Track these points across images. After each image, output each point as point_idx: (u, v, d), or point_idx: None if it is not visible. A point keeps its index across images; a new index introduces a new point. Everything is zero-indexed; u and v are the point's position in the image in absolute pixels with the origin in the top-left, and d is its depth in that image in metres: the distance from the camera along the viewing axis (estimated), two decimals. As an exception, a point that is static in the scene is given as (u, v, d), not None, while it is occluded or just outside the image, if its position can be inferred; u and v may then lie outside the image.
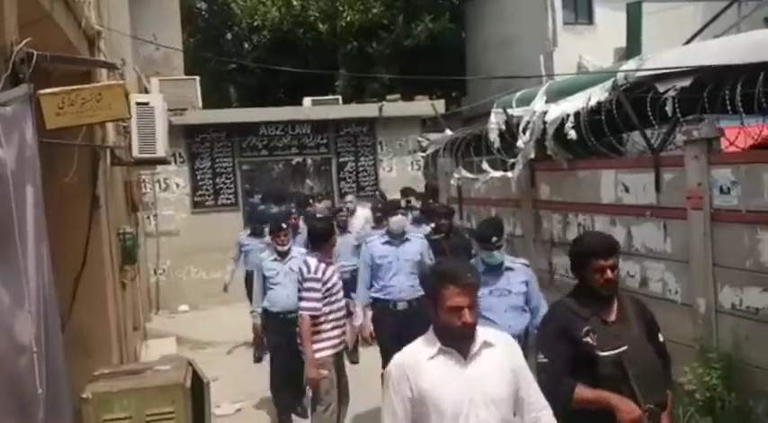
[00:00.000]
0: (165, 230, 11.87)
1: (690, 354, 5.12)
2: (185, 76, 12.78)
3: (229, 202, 11.84)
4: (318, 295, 4.98)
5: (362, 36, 18.39)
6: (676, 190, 5.58)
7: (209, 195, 12.04)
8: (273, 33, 19.03)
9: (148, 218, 11.60)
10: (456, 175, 8.91)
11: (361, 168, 12.55)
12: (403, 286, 6.13)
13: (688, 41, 8.03)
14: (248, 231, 8.79)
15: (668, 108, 5.36)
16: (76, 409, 3.26)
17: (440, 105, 12.46)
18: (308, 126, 12.23)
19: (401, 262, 6.22)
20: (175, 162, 11.64)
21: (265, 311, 6.28)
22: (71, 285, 5.09)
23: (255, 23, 19.01)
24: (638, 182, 6.08)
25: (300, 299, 5.04)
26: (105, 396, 3.33)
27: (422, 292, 5.11)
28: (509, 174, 7.46)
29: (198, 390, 3.57)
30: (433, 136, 10.72)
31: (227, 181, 12.06)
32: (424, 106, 12.53)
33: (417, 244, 6.38)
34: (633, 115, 5.73)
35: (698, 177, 5.32)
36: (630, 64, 6.00)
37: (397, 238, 6.33)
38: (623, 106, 5.90)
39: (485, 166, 7.95)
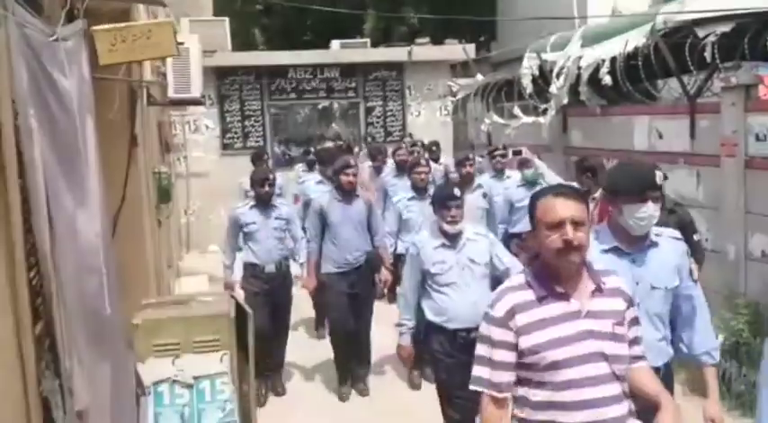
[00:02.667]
0: (194, 172, 12.00)
1: (718, 299, 5.19)
2: (215, 17, 12.71)
3: (258, 144, 11.90)
4: None
5: (391, -22, 18.03)
6: (711, 137, 5.56)
7: (237, 138, 12.12)
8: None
9: (179, 159, 11.73)
10: (487, 121, 8.88)
11: (389, 113, 12.51)
12: None
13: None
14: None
15: (707, 54, 5.29)
16: (127, 336, 3.43)
17: (470, 49, 12.28)
18: (337, 70, 12.17)
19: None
20: (205, 104, 11.69)
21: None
22: (111, 221, 5.25)
23: (282, -36, 18.71)
24: (672, 128, 6.06)
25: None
26: (155, 323, 3.48)
27: None
28: (541, 119, 7.45)
29: (241, 321, 3.72)
30: (463, 81, 10.64)
31: (256, 123, 12.11)
32: (453, 50, 12.36)
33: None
34: (671, 61, 5.67)
35: (733, 124, 5.29)
36: (671, 6, 5.91)
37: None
38: (661, 52, 5.83)
39: (516, 111, 7.92)
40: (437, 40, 13.38)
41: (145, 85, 6.02)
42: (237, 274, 5.58)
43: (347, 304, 5.26)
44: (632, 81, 6.24)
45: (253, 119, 12.06)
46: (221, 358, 3.53)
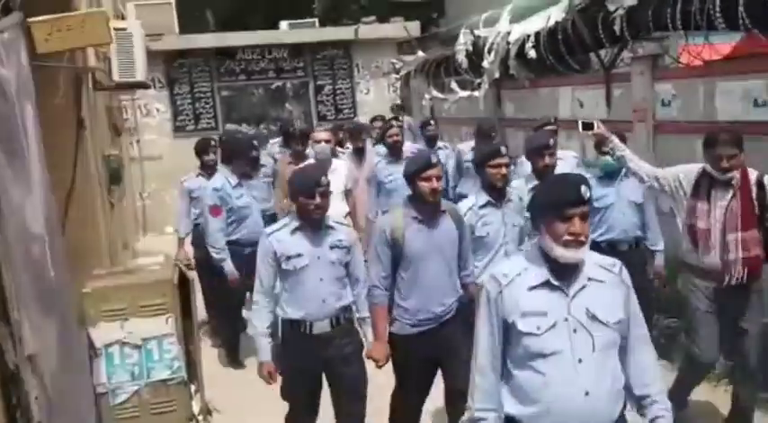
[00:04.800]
0: (148, 155, 12.17)
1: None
2: (161, 1, 12.81)
3: (209, 126, 12.10)
4: None
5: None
6: (624, 105, 6.01)
7: (189, 120, 12.30)
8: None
9: (131, 144, 11.88)
10: (427, 96, 9.26)
11: (338, 91, 12.80)
12: None
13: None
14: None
15: (616, 27, 5.71)
16: (79, 304, 3.74)
17: (415, 27, 12.62)
18: (285, 50, 12.39)
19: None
20: (155, 87, 11.83)
21: None
22: (62, 204, 5.49)
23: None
24: (591, 98, 6.51)
25: None
26: (103, 290, 3.78)
27: None
28: (476, 93, 7.84)
29: (185, 286, 4.05)
30: (408, 58, 10.97)
31: (207, 105, 12.30)
32: (399, 28, 12.68)
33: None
34: (586, 34, 6.08)
35: (643, 92, 5.74)
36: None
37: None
38: (578, 26, 6.23)
39: (453, 85, 8.31)
40: (385, 19, 13.69)
41: (90, 71, 6.23)
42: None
43: (428, 377, 3.67)
44: (556, 54, 6.64)
45: (203, 101, 12.25)
46: (167, 320, 3.86)
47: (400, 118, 7.83)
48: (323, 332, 3.49)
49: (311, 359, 3.51)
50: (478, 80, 7.84)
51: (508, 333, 2.26)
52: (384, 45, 12.77)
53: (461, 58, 7.95)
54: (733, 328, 3.85)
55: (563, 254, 2.19)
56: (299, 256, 3.44)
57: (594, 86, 6.43)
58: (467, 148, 6.63)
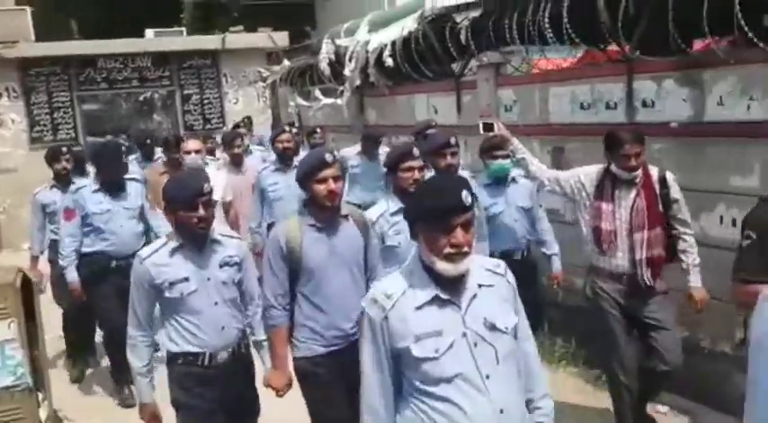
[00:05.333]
0: (2, 168, 11.54)
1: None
2: (14, 7, 12.22)
3: (69, 137, 11.63)
4: None
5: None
6: (472, 110, 6.40)
7: (47, 131, 11.77)
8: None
9: (-17, 156, 11.23)
10: (291, 103, 9.40)
11: (206, 101, 12.67)
12: None
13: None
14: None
15: (462, 37, 6.10)
16: None
17: (283, 37, 12.74)
18: (149, 58, 12.14)
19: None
20: (8, 97, 11.27)
21: None
22: None
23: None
24: (444, 104, 6.87)
25: None
26: (-61, 297, 3.63)
27: None
28: (339, 100, 8.05)
29: (28, 291, 3.94)
30: (275, 68, 11.06)
31: (66, 115, 11.82)
32: (267, 38, 12.76)
33: None
34: (436, 44, 6.44)
35: (487, 98, 6.14)
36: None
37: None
38: (435, 35, 6.59)
39: (317, 93, 8.49)
40: (253, 29, 13.70)
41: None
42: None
43: (346, 405, 3.01)
44: (411, 63, 6.96)
45: (62, 111, 11.77)
46: (9, 325, 3.74)
47: (296, 123, 7.59)
48: (224, 363, 3.10)
49: (213, 394, 3.10)
50: (341, 88, 8.05)
51: (400, 362, 2.00)
52: (253, 55, 12.79)
53: (324, 66, 8.14)
54: (645, 328, 3.81)
55: (445, 268, 1.97)
56: (184, 280, 3.00)
57: (447, 93, 6.79)
58: (351, 153, 6.64)
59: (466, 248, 1.98)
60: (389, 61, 7.06)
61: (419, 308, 1.99)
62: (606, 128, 4.89)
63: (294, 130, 7.04)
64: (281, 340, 3.18)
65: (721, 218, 4.32)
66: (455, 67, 6.73)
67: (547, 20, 5.10)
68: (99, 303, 4.97)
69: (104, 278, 4.89)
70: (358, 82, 7.74)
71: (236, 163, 6.47)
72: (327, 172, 3.01)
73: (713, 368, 4.41)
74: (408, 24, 6.81)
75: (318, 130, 7.65)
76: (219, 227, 3.33)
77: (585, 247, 3.94)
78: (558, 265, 4.75)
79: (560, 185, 4.02)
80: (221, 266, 3.11)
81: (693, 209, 4.30)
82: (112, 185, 4.94)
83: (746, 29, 3.79)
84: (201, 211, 2.96)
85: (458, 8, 6.28)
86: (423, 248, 2.03)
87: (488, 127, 4.27)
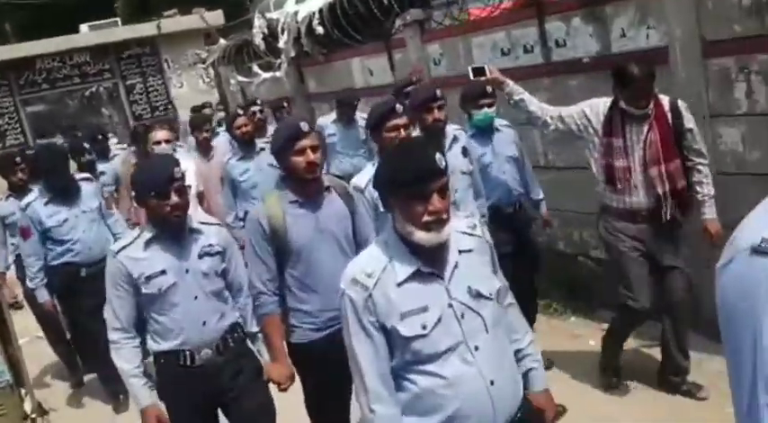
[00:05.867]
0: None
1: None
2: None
3: (18, 141, 11.62)
4: None
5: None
6: (404, 67, 6.60)
7: (-5, 138, 11.77)
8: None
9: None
10: (232, 81, 9.50)
11: (151, 89, 12.69)
12: None
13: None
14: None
15: (384, -2, 6.26)
16: None
17: (218, 16, 12.74)
18: (87, 53, 12.09)
19: None
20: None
21: None
22: None
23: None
24: (378, 65, 7.06)
25: None
26: None
27: None
28: (277, 73, 8.18)
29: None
30: (213, 47, 11.09)
31: (12, 121, 11.80)
32: (201, 19, 12.73)
33: None
34: (361, 7, 6.59)
35: (416, 54, 6.35)
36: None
37: None
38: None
39: (255, 68, 8.60)
40: (187, 11, 13.63)
41: None
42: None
43: (343, 390, 2.80)
44: (340, 28, 7.11)
45: (7, 117, 11.74)
46: (-21, 329, 3.93)
47: (258, 102, 6.69)
48: (208, 361, 2.87)
49: (198, 396, 2.89)
50: (278, 61, 8.17)
51: (390, 340, 1.91)
52: (191, 37, 12.78)
53: (258, 41, 8.25)
54: (661, 268, 3.71)
55: (425, 238, 1.86)
56: (162, 273, 2.79)
57: (379, 55, 6.98)
58: (326, 121, 6.41)
59: (444, 215, 1.87)
60: (319, 29, 7.19)
61: (401, 284, 1.88)
62: (527, 70, 5.21)
63: (258, 108, 6.45)
64: (275, 329, 2.94)
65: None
66: (385, 27, 6.90)
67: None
68: (75, 317, 4.74)
69: (77, 290, 4.64)
70: (293, 53, 7.87)
71: (204, 149, 6.09)
72: (304, 142, 2.79)
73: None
74: (333, -10, 6.94)
75: (259, 102, 6.94)
76: (198, 214, 3.19)
77: (596, 187, 3.76)
78: (545, 208, 4.64)
79: (564, 123, 3.77)
80: (201, 257, 2.88)
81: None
82: (64, 192, 4.62)
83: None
84: (174, 198, 2.72)
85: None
86: (398, 219, 1.91)
87: (479, 72, 3.91)
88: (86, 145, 6.56)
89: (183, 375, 2.88)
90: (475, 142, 4.20)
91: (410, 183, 1.85)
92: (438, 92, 3.76)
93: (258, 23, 8.34)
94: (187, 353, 2.86)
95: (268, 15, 8.14)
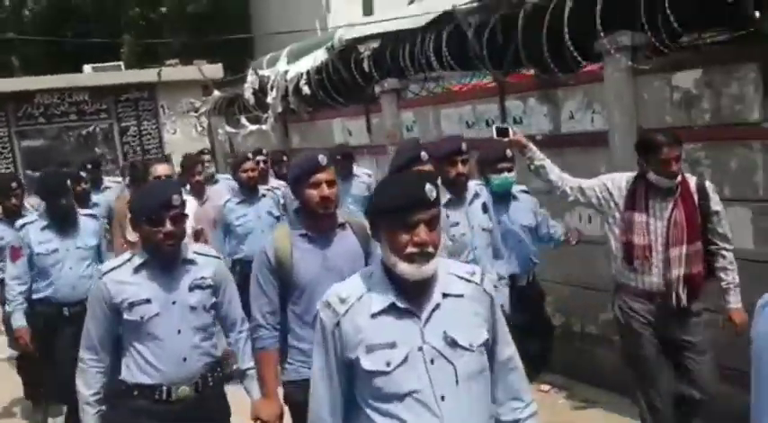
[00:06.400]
0: (-59, 204, 11.73)
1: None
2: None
3: (8, 171, 11.91)
4: None
5: (144, 2, 18.55)
6: (380, 131, 7.02)
7: (-16, 167, 12.05)
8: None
9: None
10: (220, 131, 9.93)
11: (144, 132, 13.08)
12: None
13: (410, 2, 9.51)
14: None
15: (365, 66, 6.73)
16: None
17: (217, 69, 13.26)
18: (86, 93, 12.51)
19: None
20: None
21: None
22: None
23: (30, -11, 18.47)
24: (356, 126, 7.49)
25: None
26: None
27: None
28: (263, 126, 8.60)
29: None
30: (209, 98, 11.57)
31: (4, 151, 12.11)
32: (205, 70, 13.26)
33: None
34: (344, 72, 7.06)
35: (392, 120, 6.78)
36: (340, 31, 7.33)
37: None
38: (342, 65, 7.21)
39: (243, 121, 9.03)
40: (188, 61, 14.21)
41: None
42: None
43: None
44: (324, 90, 7.57)
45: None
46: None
47: (264, 152, 6.62)
48: (183, 399, 2.74)
49: None
50: (265, 115, 8.61)
51: (352, 373, 1.84)
52: (189, 86, 13.25)
53: (248, 95, 8.70)
54: (678, 352, 3.52)
55: (407, 270, 1.79)
56: (146, 302, 2.67)
57: (358, 117, 7.42)
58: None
59: (430, 249, 1.79)
60: (306, 89, 7.66)
61: (374, 315, 1.81)
62: (488, 142, 5.61)
63: (263, 157, 6.41)
64: (269, 365, 2.85)
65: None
66: (365, 93, 7.35)
67: (431, 51, 5.77)
68: (52, 357, 4.35)
69: (57, 329, 4.34)
70: (280, 109, 8.31)
71: (197, 192, 5.83)
72: (321, 176, 2.72)
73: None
74: (319, 55, 7.43)
75: (264, 152, 6.80)
76: (195, 244, 3.05)
77: (613, 264, 3.62)
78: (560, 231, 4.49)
79: (585, 195, 3.69)
80: (191, 289, 2.76)
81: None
82: (63, 221, 4.39)
83: (575, 54, 4.47)
84: (169, 226, 2.63)
85: (361, 40, 6.90)
86: (384, 249, 1.85)
87: (502, 132, 3.86)
88: (83, 173, 6.38)
89: (152, 410, 2.71)
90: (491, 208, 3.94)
91: (396, 210, 1.79)
92: (464, 145, 3.61)
93: (250, 79, 8.82)
94: (164, 388, 2.70)
95: (260, 72, 8.62)
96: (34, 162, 12.50)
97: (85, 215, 4.59)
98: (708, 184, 3.50)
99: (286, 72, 8.09)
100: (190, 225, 4.61)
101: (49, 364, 4.36)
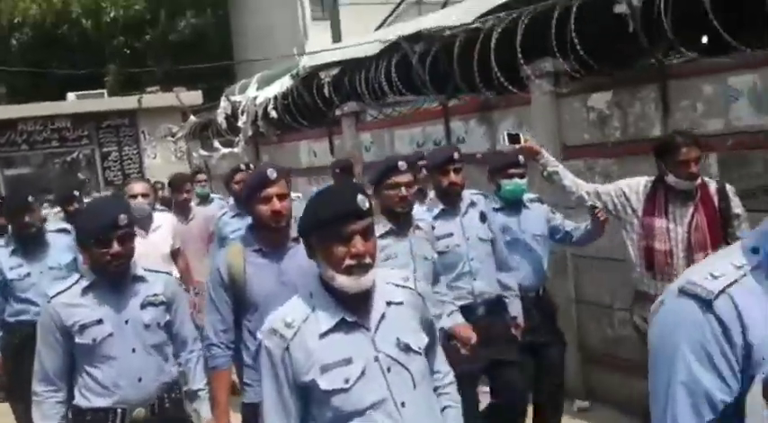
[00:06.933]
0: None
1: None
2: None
3: (-8, 196, 12.28)
4: None
5: (128, 32, 19.09)
6: (342, 151, 7.46)
7: (-32, 192, 12.39)
8: (36, 30, 19.12)
9: None
10: (195, 154, 10.37)
11: (125, 157, 13.48)
12: None
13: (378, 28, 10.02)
14: None
15: (326, 91, 7.19)
16: None
17: (197, 96, 13.73)
18: (69, 120, 12.92)
19: None
20: None
21: None
22: None
23: (16, 20, 18.97)
24: (320, 148, 7.93)
25: None
26: None
27: None
28: (235, 149, 9.03)
29: None
30: (185, 123, 12.02)
31: (-12, 177, 12.51)
32: (182, 97, 13.72)
33: None
34: (307, 97, 7.51)
35: (352, 141, 7.22)
36: (305, 58, 7.80)
37: None
38: (306, 90, 7.66)
39: (216, 144, 9.47)
40: (170, 88, 14.69)
41: None
42: None
43: None
44: (290, 114, 8.01)
45: (-18, 173, 12.45)
46: None
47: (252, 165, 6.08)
48: (141, 419, 2.67)
49: None
50: (237, 138, 9.04)
51: (308, 396, 1.80)
52: (169, 113, 13.70)
53: (221, 120, 9.14)
54: None
55: (346, 283, 1.79)
56: (98, 323, 2.60)
57: (322, 139, 7.86)
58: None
59: (368, 259, 1.80)
60: (273, 113, 8.10)
61: (324, 335, 1.79)
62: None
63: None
64: (222, 384, 2.81)
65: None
66: (327, 116, 7.81)
67: (383, 77, 6.23)
68: (21, 379, 3.81)
69: (29, 351, 4.06)
70: (250, 132, 8.74)
71: (182, 210, 5.68)
72: (271, 190, 2.68)
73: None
74: (285, 81, 7.89)
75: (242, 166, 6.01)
76: (146, 261, 2.99)
77: (633, 272, 3.51)
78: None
79: (601, 200, 3.58)
80: (144, 307, 2.70)
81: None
82: (28, 241, 4.17)
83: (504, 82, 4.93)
84: (117, 247, 2.57)
85: (323, 67, 7.37)
86: (321, 264, 1.84)
87: (513, 139, 3.79)
88: (76, 193, 5.82)
89: None
90: (502, 216, 3.87)
91: (329, 223, 1.78)
92: (456, 154, 3.52)
93: (223, 105, 9.26)
94: (119, 411, 2.62)
95: (232, 98, 9.07)
96: (18, 188, 12.89)
97: (56, 231, 4.37)
98: (728, 186, 3.39)
99: (255, 98, 8.54)
100: (168, 243, 5.01)
101: (15, 385, 4.17)
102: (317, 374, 1.75)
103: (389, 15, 10.73)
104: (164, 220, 5.04)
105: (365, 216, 1.80)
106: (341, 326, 1.80)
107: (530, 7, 4.71)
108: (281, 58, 11.32)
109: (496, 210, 3.87)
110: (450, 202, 3.52)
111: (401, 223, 3.10)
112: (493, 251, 3.62)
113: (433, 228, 3.35)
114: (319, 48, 15.90)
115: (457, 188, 3.53)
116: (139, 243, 4.17)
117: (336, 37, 11.68)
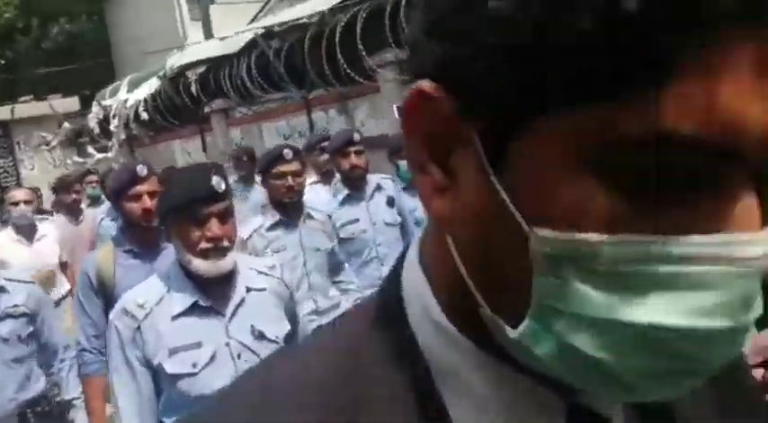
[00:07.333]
0: None
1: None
2: None
3: None
4: None
5: (-1, 40, 18.30)
6: (214, 148, 7.58)
7: None
8: None
9: None
10: (69, 161, 10.17)
11: (0, 170, 12.97)
12: None
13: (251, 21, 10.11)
14: None
15: (193, 89, 7.29)
16: None
17: (73, 102, 13.35)
18: (-67, 135, 12.33)
19: None
20: None
21: None
22: None
23: None
24: (193, 146, 8.02)
25: None
26: None
27: None
28: (108, 154, 8.95)
29: None
30: (59, 131, 11.72)
31: None
32: (58, 104, 13.32)
33: None
34: (175, 97, 7.59)
35: (222, 137, 7.36)
36: (174, 57, 7.86)
37: None
38: (173, 90, 7.73)
39: (89, 150, 9.35)
40: (45, 97, 14.20)
41: None
42: None
43: None
44: (161, 114, 8.06)
45: None
46: None
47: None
48: None
49: None
50: (110, 143, 8.97)
51: (157, 381, 1.77)
52: (44, 121, 13.26)
53: (93, 125, 9.05)
54: None
55: (202, 266, 1.75)
56: None
57: (195, 137, 7.95)
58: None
59: (225, 243, 1.75)
60: (144, 115, 8.12)
61: (176, 317, 1.75)
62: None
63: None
64: (96, 392, 2.64)
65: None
66: (197, 114, 7.91)
67: (245, 74, 6.41)
68: None
69: None
70: (123, 136, 8.71)
71: (73, 211, 5.44)
72: (141, 188, 2.52)
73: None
74: (153, 83, 7.92)
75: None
76: (5, 271, 2.85)
77: None
78: None
79: None
80: (2, 319, 2.54)
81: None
82: None
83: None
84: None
85: (190, 66, 7.47)
86: (177, 247, 1.80)
87: None
88: None
89: None
90: (406, 196, 3.66)
91: (184, 205, 1.74)
92: (356, 136, 3.38)
93: (95, 110, 9.18)
94: None
95: (103, 102, 8.98)
96: None
97: None
98: None
99: (126, 100, 8.51)
100: (56, 254, 4.74)
101: None
102: (164, 358, 1.72)
103: (260, 11, 10.85)
104: (48, 230, 4.83)
105: (222, 198, 1.75)
106: (193, 309, 1.76)
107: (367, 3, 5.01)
108: (155, 57, 11.26)
109: (404, 189, 3.68)
110: (355, 186, 3.37)
111: (290, 213, 2.97)
112: (403, 235, 3.49)
113: (330, 216, 3.21)
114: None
115: (359, 171, 3.35)
116: (24, 252, 4.26)
117: (208, 35, 11.69)
